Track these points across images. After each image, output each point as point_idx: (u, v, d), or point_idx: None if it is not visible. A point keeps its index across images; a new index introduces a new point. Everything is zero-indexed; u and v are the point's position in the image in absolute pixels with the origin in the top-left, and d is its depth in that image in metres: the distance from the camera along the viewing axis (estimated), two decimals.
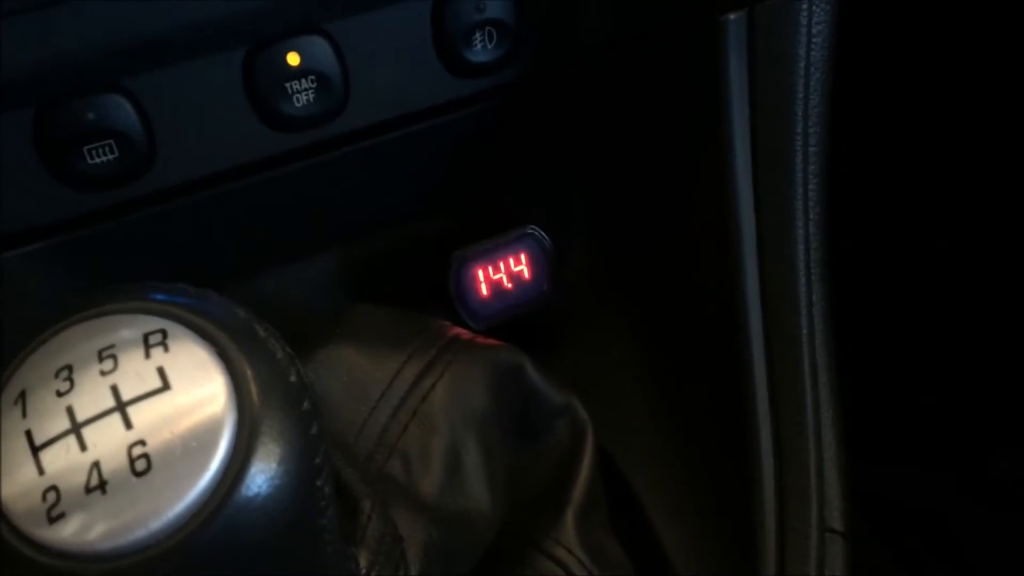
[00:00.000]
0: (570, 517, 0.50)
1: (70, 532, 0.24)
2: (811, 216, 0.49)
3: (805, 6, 0.47)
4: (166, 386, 0.26)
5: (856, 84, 0.59)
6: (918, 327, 0.92)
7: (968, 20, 0.78)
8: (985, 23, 0.78)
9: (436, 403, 0.48)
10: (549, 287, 0.58)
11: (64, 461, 0.25)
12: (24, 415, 0.25)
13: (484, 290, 0.57)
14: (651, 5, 0.50)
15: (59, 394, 0.25)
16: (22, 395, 0.26)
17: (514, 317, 0.58)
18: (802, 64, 0.48)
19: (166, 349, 0.26)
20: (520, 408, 0.51)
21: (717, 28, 0.47)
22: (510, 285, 0.57)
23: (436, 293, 0.56)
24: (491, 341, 0.52)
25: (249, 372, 0.26)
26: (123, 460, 0.25)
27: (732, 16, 0.47)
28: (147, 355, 0.26)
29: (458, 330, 0.52)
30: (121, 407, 0.25)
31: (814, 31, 0.47)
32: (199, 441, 0.25)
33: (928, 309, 0.91)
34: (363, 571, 0.35)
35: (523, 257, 0.57)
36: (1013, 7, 0.75)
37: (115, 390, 0.25)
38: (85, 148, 0.43)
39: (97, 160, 0.43)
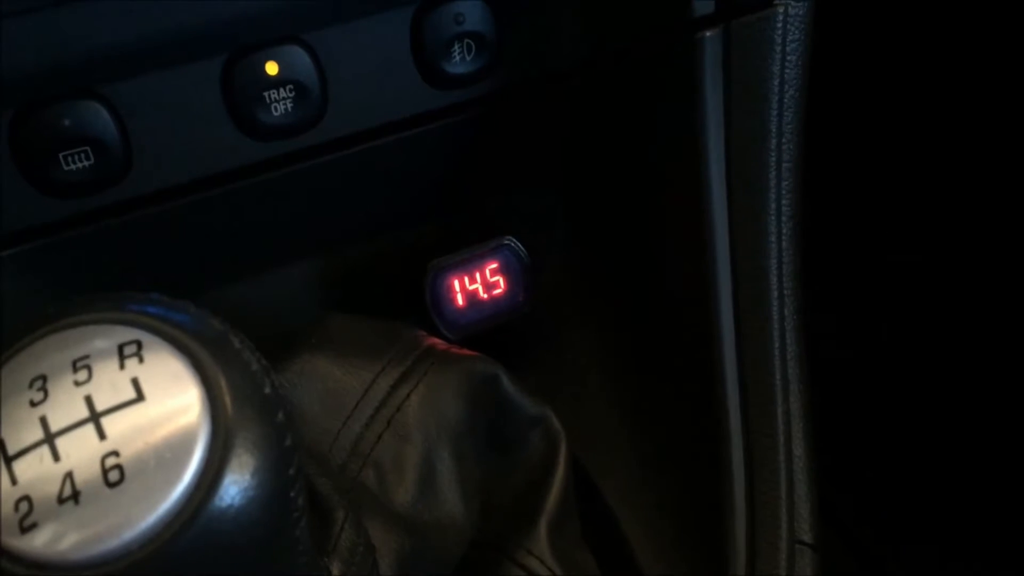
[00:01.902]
0: (543, 528, 0.51)
1: (42, 542, 0.24)
2: (784, 231, 0.50)
3: (780, 25, 0.47)
4: (140, 397, 0.26)
5: (830, 100, 0.60)
6: (890, 339, 0.93)
7: (941, 43, 0.79)
8: (958, 47, 0.79)
9: (410, 413, 0.48)
10: (525, 298, 0.58)
11: (37, 471, 0.25)
12: None
13: (460, 300, 0.57)
14: (630, 22, 0.51)
15: (33, 404, 0.25)
16: None
17: (490, 328, 0.58)
18: (776, 81, 0.48)
19: (141, 360, 0.26)
20: (494, 419, 0.51)
21: (694, 45, 0.47)
22: (486, 296, 0.57)
23: (412, 303, 0.56)
24: (466, 351, 0.52)
25: (223, 383, 0.26)
26: (96, 471, 0.25)
27: (708, 33, 0.47)
28: (122, 366, 0.26)
29: (433, 340, 0.52)
30: (95, 418, 0.25)
31: (788, 49, 0.48)
32: (173, 452, 0.25)
33: (900, 321, 0.92)
34: None
35: (499, 268, 0.57)
36: (981, 37, 0.76)
37: (89, 401, 0.25)
38: (61, 154, 0.43)
39: (73, 167, 0.43)
